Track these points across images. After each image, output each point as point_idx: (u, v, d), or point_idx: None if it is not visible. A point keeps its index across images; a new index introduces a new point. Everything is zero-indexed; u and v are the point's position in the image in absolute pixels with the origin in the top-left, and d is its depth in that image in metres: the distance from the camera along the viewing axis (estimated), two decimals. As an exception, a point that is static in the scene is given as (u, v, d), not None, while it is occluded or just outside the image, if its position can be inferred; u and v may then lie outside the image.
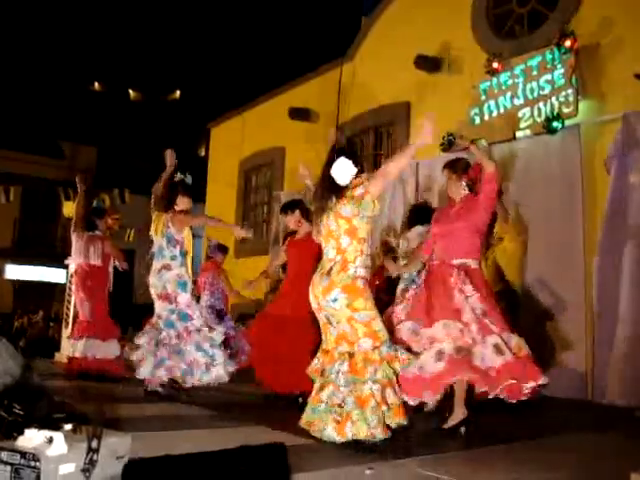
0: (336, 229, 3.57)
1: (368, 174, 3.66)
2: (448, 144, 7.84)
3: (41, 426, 2.34)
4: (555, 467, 3.16)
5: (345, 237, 3.55)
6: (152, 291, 5.07)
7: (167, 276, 4.98)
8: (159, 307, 5.05)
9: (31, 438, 2.25)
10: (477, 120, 7.59)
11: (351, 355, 3.46)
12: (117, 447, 2.48)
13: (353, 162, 3.60)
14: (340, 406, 3.38)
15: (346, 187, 3.58)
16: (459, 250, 4.06)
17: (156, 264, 5.07)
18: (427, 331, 3.91)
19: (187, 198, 5.23)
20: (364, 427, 3.28)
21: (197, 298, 7.10)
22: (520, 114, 7.09)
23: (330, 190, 3.61)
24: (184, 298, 4.97)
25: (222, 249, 7.91)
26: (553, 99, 6.72)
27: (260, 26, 25.58)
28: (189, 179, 5.24)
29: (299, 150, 10.27)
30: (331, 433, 3.35)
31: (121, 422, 3.77)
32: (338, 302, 3.49)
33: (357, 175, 3.61)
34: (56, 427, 2.34)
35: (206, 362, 4.89)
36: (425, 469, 2.94)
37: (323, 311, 3.60)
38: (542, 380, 3.76)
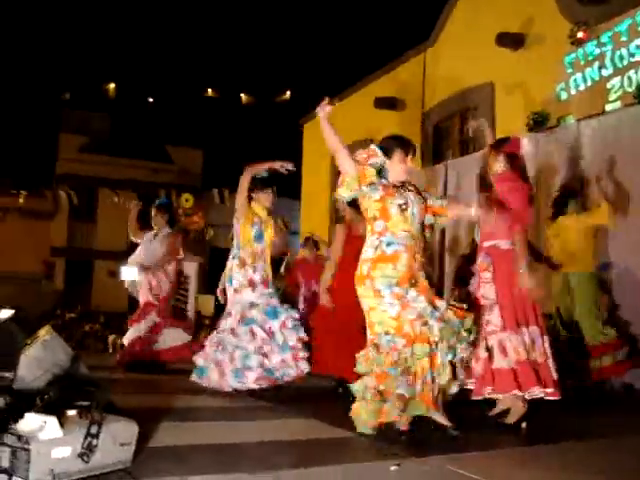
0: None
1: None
2: (534, 123, 7.39)
3: (44, 411, 2.39)
4: (595, 471, 2.81)
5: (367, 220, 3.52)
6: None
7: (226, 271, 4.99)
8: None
9: (29, 422, 2.30)
10: (564, 95, 7.08)
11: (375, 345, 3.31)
12: (120, 434, 2.50)
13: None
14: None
15: None
16: (490, 232, 3.87)
17: None
18: None
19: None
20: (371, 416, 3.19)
21: (279, 290, 7.03)
22: (609, 85, 6.52)
23: None
24: (229, 292, 4.91)
25: (310, 244, 7.78)
26: (645, 65, 6.11)
27: (343, 19, 25.64)
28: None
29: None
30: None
31: (171, 412, 3.83)
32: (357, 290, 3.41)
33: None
34: (57, 412, 2.39)
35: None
36: (455, 467, 2.73)
37: None
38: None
